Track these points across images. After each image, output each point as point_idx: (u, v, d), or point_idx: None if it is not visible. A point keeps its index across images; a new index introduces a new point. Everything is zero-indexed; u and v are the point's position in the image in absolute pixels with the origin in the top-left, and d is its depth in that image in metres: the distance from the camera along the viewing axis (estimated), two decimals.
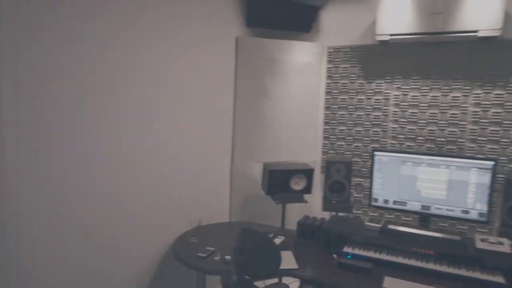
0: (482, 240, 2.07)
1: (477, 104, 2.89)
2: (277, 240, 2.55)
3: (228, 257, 2.23)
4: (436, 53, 2.98)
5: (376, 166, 2.37)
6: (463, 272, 2.00)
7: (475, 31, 2.67)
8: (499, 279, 1.93)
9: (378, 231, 2.31)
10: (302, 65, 3.37)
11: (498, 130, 2.84)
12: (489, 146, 2.87)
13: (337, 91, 3.37)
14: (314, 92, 3.45)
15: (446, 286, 1.92)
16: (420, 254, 2.15)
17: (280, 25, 3.34)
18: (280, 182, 2.90)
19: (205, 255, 2.29)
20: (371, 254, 2.22)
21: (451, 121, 2.97)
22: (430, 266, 2.07)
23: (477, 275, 1.97)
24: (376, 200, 2.41)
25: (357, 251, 2.25)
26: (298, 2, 3.20)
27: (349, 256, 2.21)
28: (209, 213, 3.02)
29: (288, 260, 2.19)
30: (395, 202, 2.35)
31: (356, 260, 2.16)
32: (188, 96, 2.71)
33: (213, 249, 2.38)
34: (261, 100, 3.30)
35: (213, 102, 2.99)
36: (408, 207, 2.32)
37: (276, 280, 2.46)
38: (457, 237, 2.12)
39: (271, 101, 3.32)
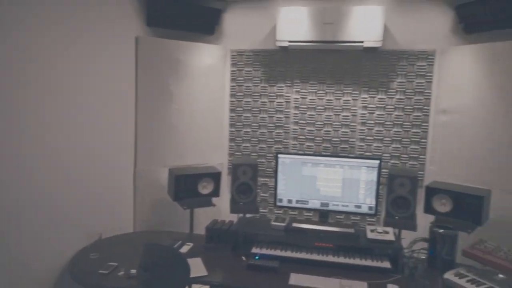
0: (372, 231, 2.32)
1: (365, 107, 3.22)
2: (186, 247, 2.50)
3: (133, 271, 2.11)
4: (330, 60, 3.24)
5: (280, 168, 2.48)
6: (357, 261, 2.21)
7: (361, 42, 2.96)
8: (386, 264, 2.18)
9: (283, 230, 2.43)
10: (207, 68, 3.35)
11: (381, 130, 3.20)
12: (375, 144, 3.22)
13: (242, 94, 3.44)
14: (219, 95, 3.46)
15: (344, 275, 2.10)
16: (321, 248, 2.32)
17: (183, 26, 3.27)
18: (187, 187, 2.85)
19: (107, 271, 2.14)
20: (277, 252, 2.31)
21: (344, 123, 3.26)
22: (330, 258, 2.25)
23: (368, 262, 2.20)
24: (280, 200, 2.52)
25: (264, 251, 2.33)
26: (200, 4, 3.17)
27: (257, 257, 2.28)
28: (111, 224, 2.82)
29: (197, 268, 2.17)
30: (297, 201, 2.49)
31: (264, 260, 2.23)
32: (85, 99, 2.49)
33: (116, 264, 2.23)
34: (165, 102, 3.19)
35: (113, 105, 2.80)
36: (309, 205, 2.48)
37: None
38: (351, 230, 2.34)
39: (176, 103, 3.24)
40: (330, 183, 2.41)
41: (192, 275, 1.93)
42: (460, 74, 2.93)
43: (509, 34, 2.69)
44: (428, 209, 2.57)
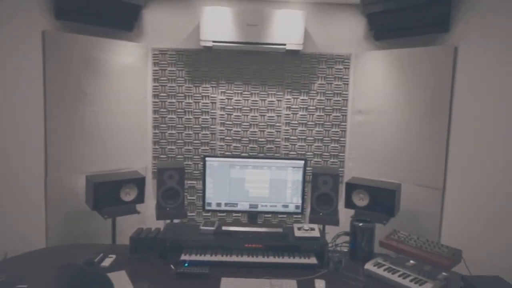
0: (299, 229, 2.40)
1: (288, 108, 3.32)
2: (108, 260, 2.33)
3: None
4: (254, 61, 3.27)
5: (207, 171, 2.43)
6: (286, 259, 2.27)
7: (284, 44, 3.04)
8: (313, 260, 2.27)
9: (213, 234, 2.39)
10: (126, 67, 3.16)
11: (304, 130, 3.33)
12: (299, 144, 3.34)
13: (165, 95, 3.31)
14: (141, 96, 3.29)
15: (274, 275, 2.14)
16: (251, 249, 2.33)
17: (97, 21, 3.03)
18: (108, 194, 2.67)
19: None
20: (207, 257, 2.27)
21: (269, 123, 3.32)
22: (259, 259, 2.27)
23: (296, 260, 2.26)
24: (209, 204, 2.48)
25: (194, 257, 2.27)
26: None
27: (186, 264, 2.21)
28: (19, 240, 2.51)
29: (121, 282, 2.03)
30: (226, 204, 2.48)
31: (194, 266, 2.17)
32: None
33: (25, 286, 1.98)
34: (78, 103, 2.93)
35: (17, 107, 2.49)
36: (238, 207, 2.48)
37: None
38: (279, 230, 2.39)
39: (92, 105, 2.99)
40: (258, 185, 2.44)
41: None
42: (372, 77, 3.18)
43: (414, 42, 2.97)
44: (349, 203, 2.74)
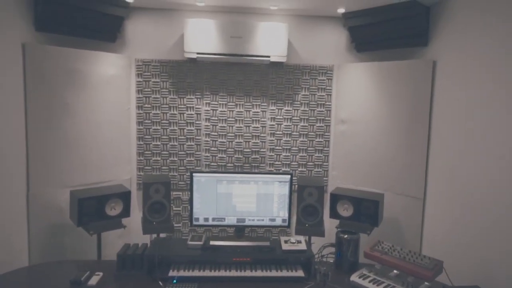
0: (286, 242, 2.44)
1: (273, 119, 3.36)
2: (95, 278, 2.30)
3: None
4: (239, 73, 3.29)
5: (195, 187, 2.44)
6: (273, 273, 2.30)
7: (268, 56, 3.08)
8: (300, 273, 2.31)
9: (200, 249, 2.40)
10: (109, 78, 3.12)
11: (289, 140, 3.37)
12: (284, 154, 3.38)
13: (149, 106, 3.29)
14: (124, 107, 3.26)
15: None
16: (239, 263, 2.35)
17: (79, 32, 2.99)
18: (93, 210, 2.63)
19: None
20: (195, 273, 2.28)
21: (254, 134, 3.35)
22: (247, 273, 2.29)
23: (284, 273, 2.30)
24: (197, 219, 2.49)
25: (182, 273, 2.28)
26: (98, 10, 2.93)
27: (174, 281, 2.21)
28: (0, 259, 2.46)
29: None
30: (214, 219, 2.49)
31: (182, 283, 2.18)
32: None
33: None
34: (61, 116, 2.88)
35: None
36: (226, 222, 2.50)
37: None
38: (266, 243, 2.43)
39: (75, 117, 2.95)
40: (245, 199, 2.46)
41: None
42: (354, 88, 3.25)
43: (394, 54, 3.06)
44: (333, 214, 2.80)
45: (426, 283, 2.15)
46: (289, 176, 2.47)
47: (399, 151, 3.00)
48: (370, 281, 2.20)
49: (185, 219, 3.38)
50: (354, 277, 2.25)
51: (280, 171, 3.37)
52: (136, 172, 3.35)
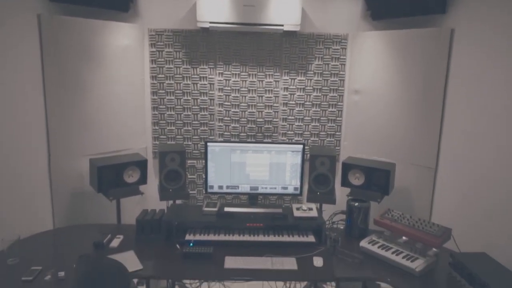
0: (297, 209, 2.51)
1: (286, 89, 3.36)
2: (116, 241, 2.44)
3: (61, 273, 2.01)
4: (252, 43, 3.27)
5: (209, 156, 2.50)
6: (285, 238, 2.40)
7: (281, 25, 3.04)
8: (311, 238, 2.40)
9: (215, 215, 2.50)
10: (123, 49, 3.15)
11: (302, 110, 3.39)
12: (297, 123, 3.41)
13: (163, 76, 3.32)
14: (139, 77, 3.30)
15: (274, 253, 2.27)
16: (252, 228, 2.45)
17: (92, 1, 2.98)
18: (112, 177, 2.74)
19: (31, 277, 2.00)
20: (211, 237, 2.39)
21: (267, 104, 3.37)
22: (260, 238, 2.39)
23: (295, 238, 2.39)
24: (211, 187, 2.57)
25: (198, 237, 2.39)
26: None
27: (191, 244, 2.32)
28: (28, 223, 2.61)
29: (131, 262, 2.15)
30: (228, 187, 2.57)
31: (198, 246, 2.29)
32: None
33: (40, 267, 2.09)
34: (77, 87, 2.95)
35: (17, 94, 2.51)
36: (240, 189, 2.57)
37: None
38: (279, 210, 2.51)
39: (91, 88, 3.01)
40: (259, 168, 2.52)
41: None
42: (369, 57, 3.20)
43: (411, 22, 2.99)
44: (345, 182, 2.85)
45: (434, 249, 2.21)
46: (301, 146, 2.51)
47: (412, 122, 2.99)
48: (379, 247, 2.27)
49: (199, 187, 3.48)
50: (364, 243, 2.33)
51: (293, 140, 3.40)
52: (152, 141, 3.43)
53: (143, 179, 2.87)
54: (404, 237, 2.34)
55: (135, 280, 2.68)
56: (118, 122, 3.21)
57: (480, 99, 2.40)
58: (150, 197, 3.26)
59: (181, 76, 3.32)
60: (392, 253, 2.20)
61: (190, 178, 3.47)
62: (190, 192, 3.45)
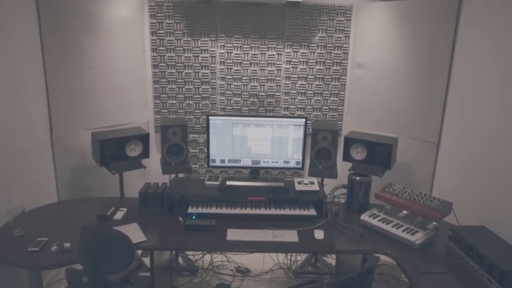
0: (299, 183, 2.53)
1: (288, 62, 3.30)
2: (120, 213, 2.47)
3: (67, 244, 2.05)
4: (254, 14, 3.19)
5: (211, 130, 2.49)
6: (286, 211, 2.42)
7: None
8: (312, 211, 2.42)
9: (217, 188, 2.51)
10: (122, 20, 3.08)
11: (304, 84, 3.35)
12: (299, 98, 3.37)
13: (164, 48, 3.27)
14: (139, 50, 3.24)
15: (276, 226, 2.30)
16: (254, 202, 2.47)
17: None
18: (114, 151, 2.74)
19: (37, 248, 2.04)
20: (213, 210, 2.41)
21: (269, 77, 3.33)
22: (262, 211, 2.41)
23: (297, 212, 2.42)
24: (213, 161, 2.58)
25: (200, 210, 2.41)
26: None
27: (193, 217, 2.35)
28: (32, 196, 2.64)
29: (135, 234, 2.18)
30: (230, 161, 2.57)
31: (201, 219, 2.32)
32: None
33: (45, 239, 2.13)
34: (77, 60, 2.91)
35: (16, 67, 2.47)
36: (241, 163, 2.58)
37: None
38: (281, 184, 2.52)
39: (90, 60, 2.97)
40: (260, 142, 2.52)
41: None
42: (373, 30, 3.13)
43: None
44: (346, 157, 2.85)
45: (433, 223, 2.23)
46: (303, 120, 2.50)
47: (416, 96, 2.95)
48: (379, 220, 2.30)
49: (201, 161, 3.49)
50: (364, 216, 2.35)
51: (295, 114, 3.38)
52: (154, 115, 3.42)
53: (145, 153, 2.87)
54: (404, 211, 2.36)
55: (140, 252, 2.75)
56: (120, 95, 3.19)
57: (488, 75, 2.35)
58: (152, 171, 3.29)
59: (182, 48, 3.27)
60: (393, 226, 2.23)
61: (192, 153, 3.48)
62: (192, 166, 3.47)
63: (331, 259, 3.18)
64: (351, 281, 1.59)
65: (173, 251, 3.00)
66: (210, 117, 2.48)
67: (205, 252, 3.18)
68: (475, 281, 1.77)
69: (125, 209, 2.53)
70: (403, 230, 2.18)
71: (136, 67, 3.26)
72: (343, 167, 2.95)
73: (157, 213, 2.46)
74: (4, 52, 2.35)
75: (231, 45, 3.26)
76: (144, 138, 2.85)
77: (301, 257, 3.18)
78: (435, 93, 2.82)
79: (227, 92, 3.36)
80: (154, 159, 3.25)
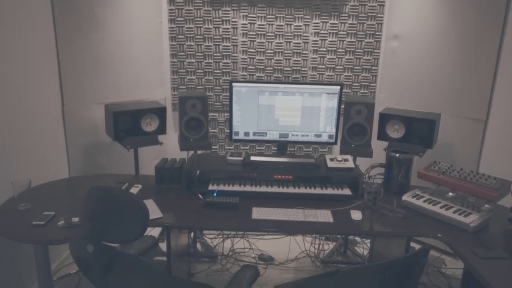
0: (331, 160, 2.27)
1: (316, 34, 3.04)
2: (134, 189, 2.26)
3: (75, 219, 1.85)
4: None
5: (234, 98, 2.25)
6: (318, 190, 2.17)
7: None
8: (347, 191, 2.17)
9: (241, 164, 2.28)
10: None
11: (333, 58, 3.08)
12: (327, 73, 3.11)
13: (182, 19, 3.05)
14: (156, 21, 3.03)
15: (305, 205, 2.05)
16: (280, 180, 2.23)
17: None
18: (129, 124, 2.55)
19: (43, 222, 1.85)
20: (236, 188, 2.18)
21: (295, 51, 3.07)
22: (290, 190, 2.17)
23: (329, 191, 2.16)
24: (237, 133, 2.33)
25: (222, 187, 2.19)
26: None
27: (215, 194, 2.13)
28: (42, 171, 2.45)
29: (151, 210, 1.94)
30: (255, 134, 2.33)
31: (223, 196, 2.09)
32: None
33: (52, 213, 1.93)
34: (90, 31, 2.71)
35: (26, 36, 2.28)
36: (268, 137, 2.33)
37: None
38: (311, 160, 2.27)
39: (104, 31, 2.77)
40: (289, 112, 2.26)
41: None
42: None
43: None
44: (382, 135, 2.58)
45: (486, 205, 1.95)
46: (338, 87, 2.23)
47: (461, 70, 2.66)
48: (425, 201, 2.03)
49: (221, 141, 3.27)
50: (407, 197, 2.08)
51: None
52: (171, 92, 3.21)
53: (162, 129, 2.66)
54: (450, 193, 2.08)
55: (156, 234, 2.54)
56: (135, 69, 2.99)
57: None
58: (169, 151, 3.07)
59: (201, 19, 3.04)
60: (441, 207, 1.95)
61: (212, 132, 3.25)
62: (212, 147, 3.24)
63: (362, 249, 2.92)
64: (388, 269, 1.22)
65: (191, 235, 2.79)
66: (233, 84, 2.24)
67: (225, 236, 2.95)
68: None
69: (140, 186, 2.32)
70: (454, 212, 1.90)
71: (153, 39, 3.05)
72: (376, 147, 2.68)
73: (175, 190, 2.24)
74: (14, 20, 2.16)
75: (254, 15, 3.01)
76: (161, 112, 2.64)
77: (328, 246, 2.93)
78: (483, 66, 2.52)
79: (250, 66, 3.12)
80: (170, 138, 3.04)
